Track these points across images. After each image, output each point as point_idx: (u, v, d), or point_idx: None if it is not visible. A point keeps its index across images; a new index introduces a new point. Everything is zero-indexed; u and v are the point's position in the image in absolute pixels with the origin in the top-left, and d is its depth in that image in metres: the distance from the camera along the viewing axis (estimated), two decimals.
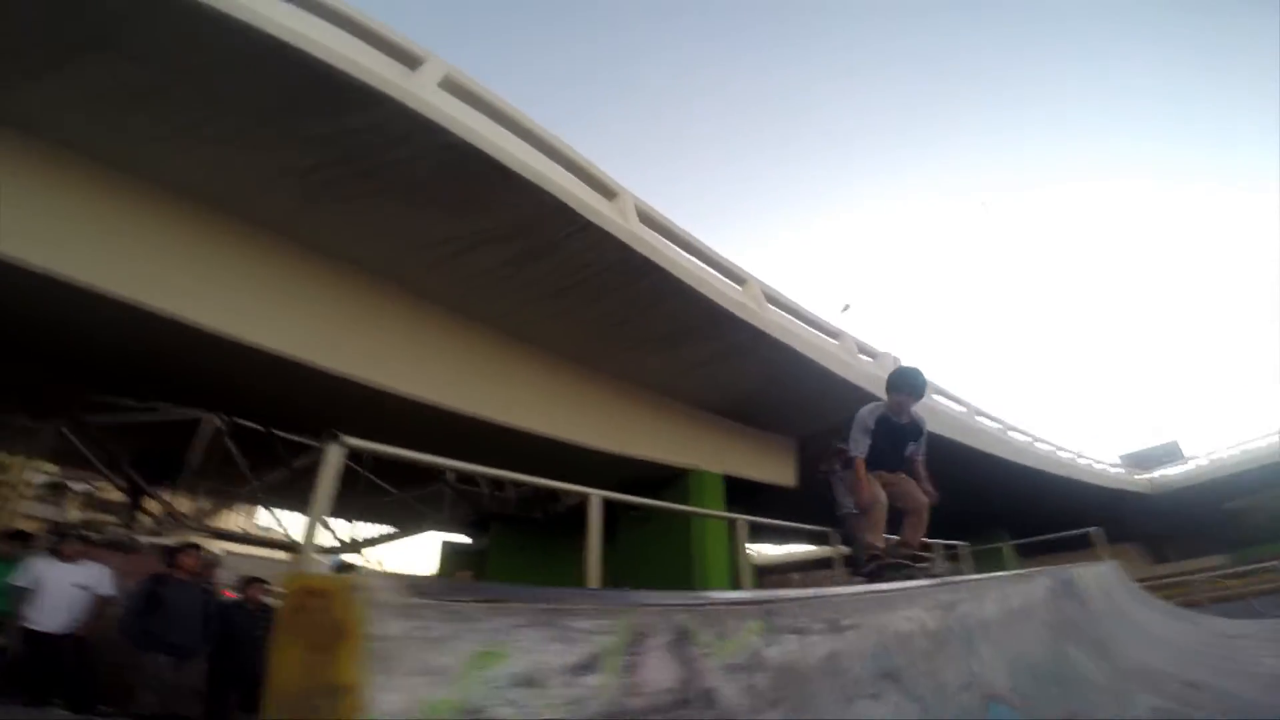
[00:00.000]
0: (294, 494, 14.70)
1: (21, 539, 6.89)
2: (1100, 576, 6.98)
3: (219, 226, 7.10)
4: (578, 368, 10.43)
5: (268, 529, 19.46)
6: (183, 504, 14.49)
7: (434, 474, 15.45)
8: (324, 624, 0.96)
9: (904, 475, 4.24)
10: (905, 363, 4.76)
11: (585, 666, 0.96)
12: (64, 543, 5.85)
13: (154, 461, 12.44)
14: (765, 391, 11.95)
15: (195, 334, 6.77)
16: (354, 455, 2.69)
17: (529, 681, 0.90)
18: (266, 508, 15.89)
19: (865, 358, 13.80)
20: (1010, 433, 19.66)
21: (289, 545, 16.25)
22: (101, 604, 5.71)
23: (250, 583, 6.59)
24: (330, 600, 0.98)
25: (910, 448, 4.27)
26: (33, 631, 5.39)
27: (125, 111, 6.05)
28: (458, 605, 0.93)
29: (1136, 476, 27.93)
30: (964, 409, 17.17)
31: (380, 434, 2.92)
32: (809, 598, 1.95)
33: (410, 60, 6.68)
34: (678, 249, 9.42)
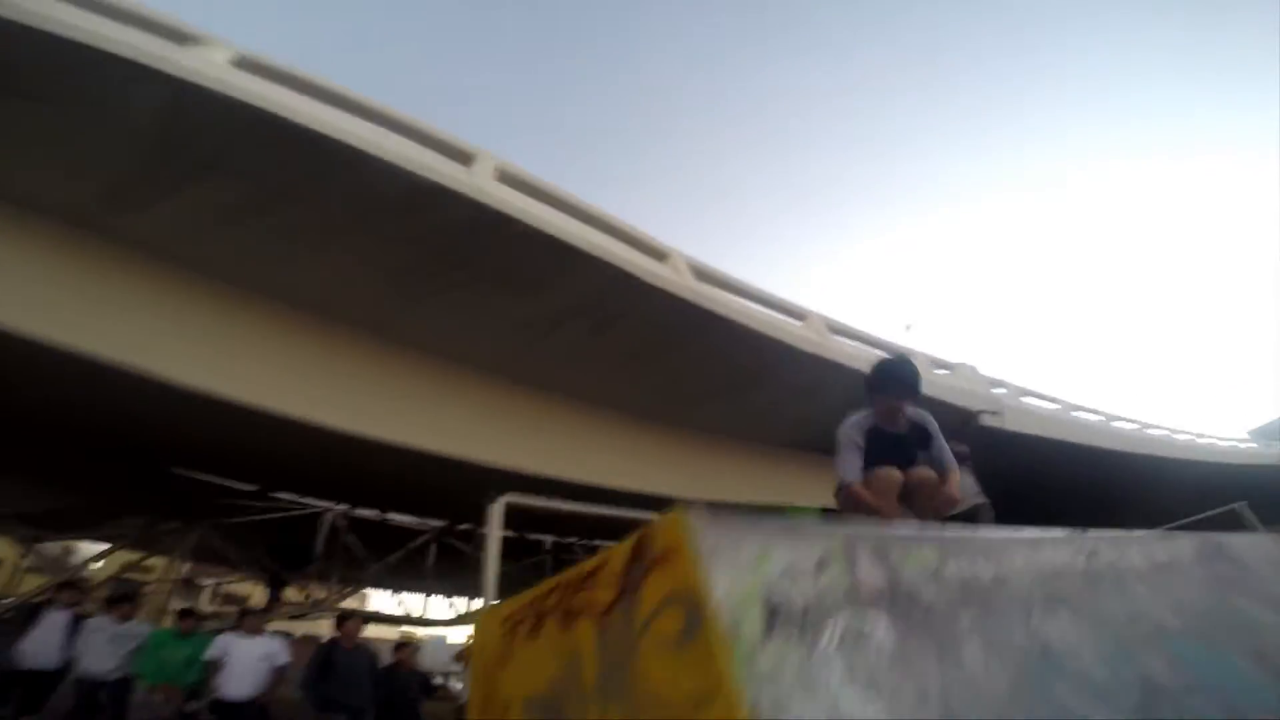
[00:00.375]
0: (406, 574, 15.67)
1: (194, 617, 7.39)
2: (1257, 545, 6.48)
3: (329, 333, 8.15)
4: (658, 425, 10.90)
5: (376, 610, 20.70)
6: (316, 590, 15.68)
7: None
8: (660, 549, 1.50)
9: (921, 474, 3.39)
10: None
11: (821, 565, 1.43)
12: (246, 619, 6.63)
13: (288, 553, 13.62)
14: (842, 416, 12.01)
15: (329, 435, 7.74)
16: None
17: (790, 575, 1.38)
18: (386, 588, 16.90)
19: (941, 370, 13.64)
20: (1114, 423, 18.61)
21: (408, 620, 17.18)
22: (280, 673, 6.34)
23: (400, 648, 7.20)
24: (664, 531, 1.52)
25: (921, 457, 3.40)
26: (222, 701, 6.03)
27: (231, 227, 7.16)
28: (741, 524, 1.44)
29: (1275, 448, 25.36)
30: (1056, 405, 16.50)
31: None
32: (963, 537, 2.29)
33: (464, 157, 7.55)
34: (733, 295, 9.83)
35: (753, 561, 1.36)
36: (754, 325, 9.41)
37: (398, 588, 17.04)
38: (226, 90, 6.11)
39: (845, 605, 1.43)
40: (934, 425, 3.46)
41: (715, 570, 1.33)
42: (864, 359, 11.14)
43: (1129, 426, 19.07)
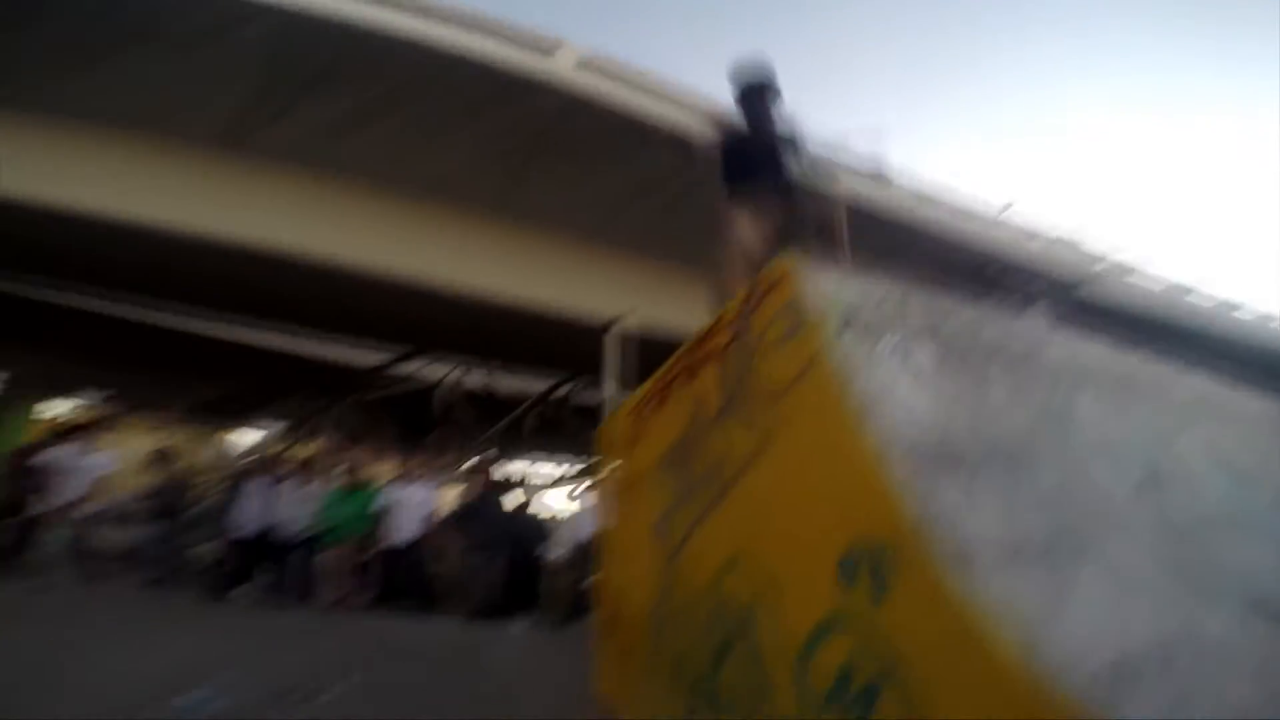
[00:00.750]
0: (515, 441, 17.57)
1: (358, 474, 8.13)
2: None
3: (456, 211, 9.22)
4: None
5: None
6: (438, 457, 17.94)
7: None
8: (773, 279, 2.32)
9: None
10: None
11: (883, 300, 2.18)
12: (406, 469, 7.84)
13: (414, 423, 15.62)
14: None
15: (459, 299, 9.23)
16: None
17: (860, 300, 2.13)
18: (501, 454, 18.94)
19: (1044, 239, 13.11)
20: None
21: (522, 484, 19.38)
22: (433, 518, 7.11)
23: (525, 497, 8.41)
24: (776, 268, 2.32)
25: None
26: (390, 547, 6.80)
27: (357, 131, 8.20)
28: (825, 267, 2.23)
29: None
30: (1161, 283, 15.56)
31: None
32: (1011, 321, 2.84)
33: (547, 48, 8.10)
34: None
35: (835, 287, 2.10)
36: None
37: (509, 453, 19.10)
38: (329, 14, 6.93)
39: (898, 329, 2.12)
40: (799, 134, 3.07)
41: (811, 289, 2.08)
42: None
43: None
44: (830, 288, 2.15)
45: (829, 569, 1.75)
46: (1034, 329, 3.03)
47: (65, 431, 7.28)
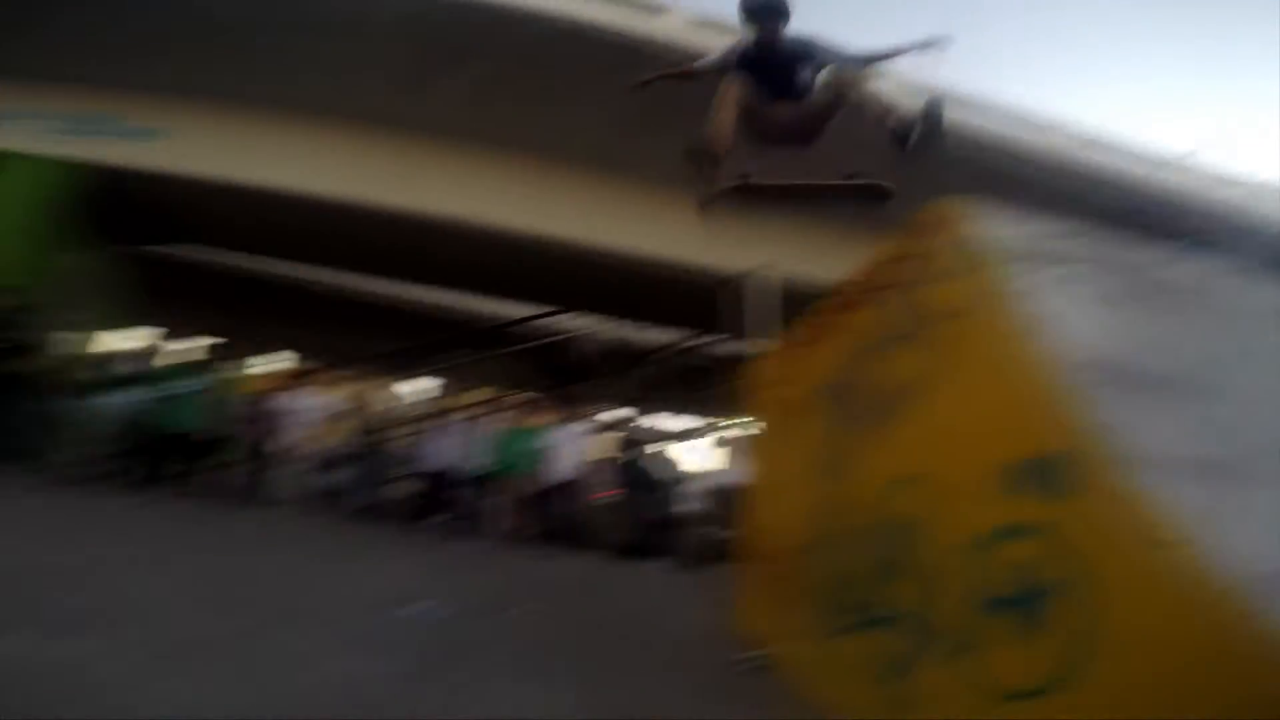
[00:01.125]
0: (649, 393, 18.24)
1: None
2: None
3: (581, 173, 9.63)
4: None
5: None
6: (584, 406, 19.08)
7: None
8: (938, 219, 2.45)
9: None
10: None
11: (1059, 234, 2.27)
12: (567, 413, 8.68)
13: (556, 372, 16.68)
14: None
15: (598, 254, 9.79)
16: None
17: (1036, 233, 2.24)
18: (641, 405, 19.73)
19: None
20: None
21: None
22: (582, 462, 7.88)
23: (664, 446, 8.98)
24: (940, 209, 2.46)
25: (803, 81, 2.98)
26: (552, 482, 7.50)
27: (491, 101, 8.71)
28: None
29: None
30: None
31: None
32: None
33: (653, 11, 8.44)
34: None
35: (1003, 227, 2.17)
36: None
37: (649, 405, 19.82)
38: None
39: (1070, 264, 2.14)
40: (819, 44, 3.04)
41: (979, 228, 2.17)
42: None
43: None
44: (998, 228, 2.24)
45: (1005, 480, 1.84)
46: (1215, 269, 2.88)
47: (284, 382, 8.69)
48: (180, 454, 6.98)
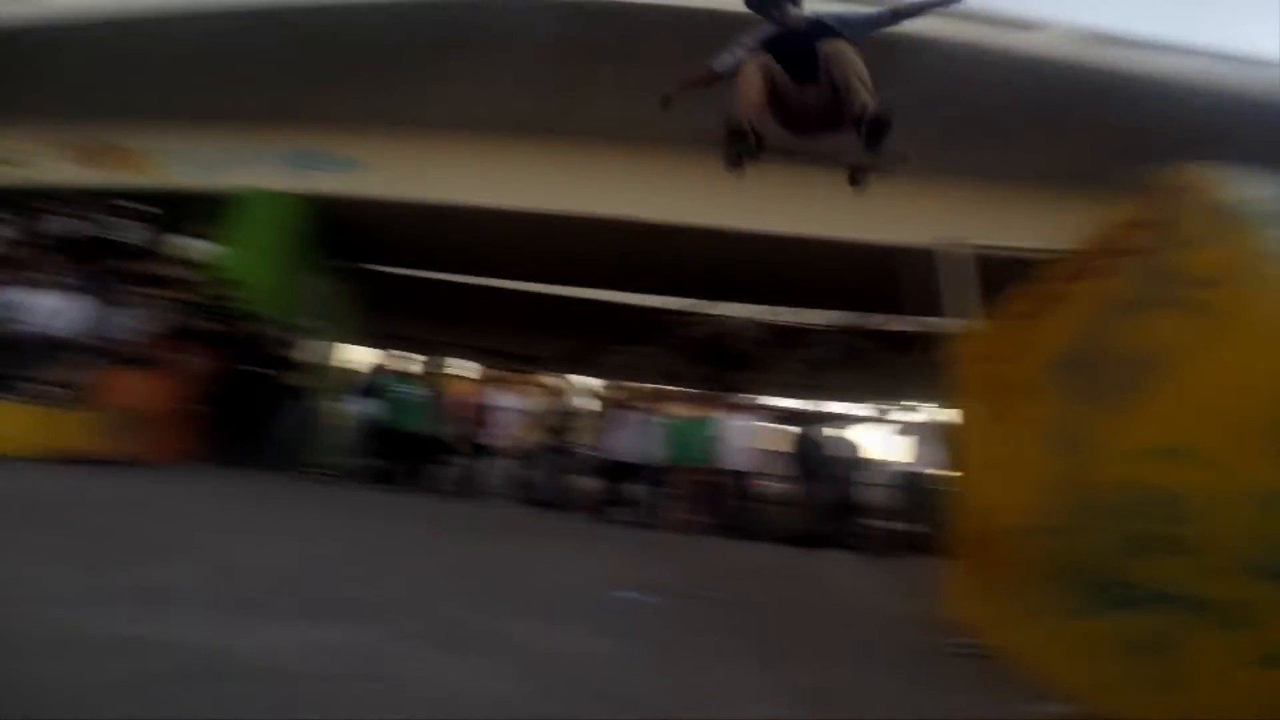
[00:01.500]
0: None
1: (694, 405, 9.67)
2: None
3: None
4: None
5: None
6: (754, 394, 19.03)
7: None
8: (1182, 184, 2.38)
9: None
10: None
11: None
12: (737, 402, 9.00)
13: (718, 361, 16.80)
14: None
15: (761, 240, 9.65)
16: None
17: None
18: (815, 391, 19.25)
19: None
20: None
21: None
22: (755, 450, 8.14)
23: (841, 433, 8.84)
24: (1181, 175, 2.40)
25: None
26: (724, 469, 7.80)
27: (636, 101, 8.85)
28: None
29: None
30: None
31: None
32: None
33: None
34: None
35: (1250, 189, 2.18)
36: None
37: (825, 391, 19.27)
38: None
39: None
40: (835, 22, 2.87)
41: (1227, 191, 2.15)
42: None
43: None
44: (1246, 189, 2.16)
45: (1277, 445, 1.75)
46: None
47: (485, 385, 9.73)
48: (410, 453, 8.12)
